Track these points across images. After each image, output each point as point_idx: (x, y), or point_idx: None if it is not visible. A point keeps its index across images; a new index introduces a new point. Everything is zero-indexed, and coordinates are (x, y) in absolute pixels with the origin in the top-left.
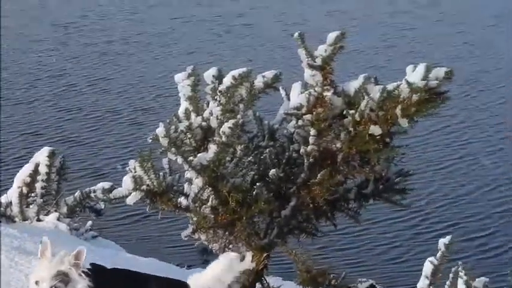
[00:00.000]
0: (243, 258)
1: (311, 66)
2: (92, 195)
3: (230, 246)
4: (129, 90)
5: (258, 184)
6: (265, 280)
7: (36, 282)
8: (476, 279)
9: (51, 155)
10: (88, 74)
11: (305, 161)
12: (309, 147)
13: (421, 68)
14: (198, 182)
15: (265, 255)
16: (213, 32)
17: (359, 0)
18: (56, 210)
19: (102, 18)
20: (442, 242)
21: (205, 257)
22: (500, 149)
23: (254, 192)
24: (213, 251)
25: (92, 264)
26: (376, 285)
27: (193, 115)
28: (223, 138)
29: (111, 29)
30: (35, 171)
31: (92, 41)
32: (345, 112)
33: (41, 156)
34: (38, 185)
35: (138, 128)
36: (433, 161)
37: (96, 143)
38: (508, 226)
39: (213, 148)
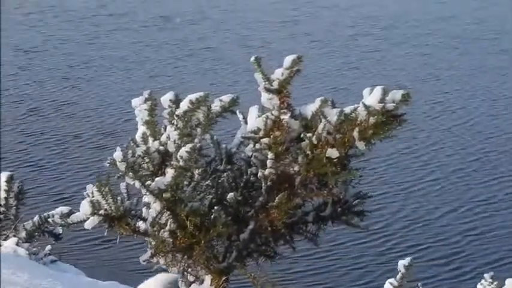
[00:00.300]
0: (201, 282)
1: (268, 90)
2: (50, 220)
3: (189, 269)
4: (92, 114)
5: (216, 208)
6: None
7: None
8: None
9: (9, 180)
10: (51, 98)
11: (263, 184)
12: (267, 171)
13: (377, 90)
14: (156, 206)
15: (224, 278)
16: (174, 56)
17: (321, 23)
18: (14, 235)
19: (63, 43)
20: (402, 263)
21: None
22: (473, 171)
23: (212, 216)
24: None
25: None
26: None
27: (150, 139)
28: (181, 163)
29: (72, 54)
30: None
31: (54, 65)
32: (302, 135)
33: None
34: None
35: (101, 152)
36: (405, 184)
37: (59, 167)
38: (480, 250)
39: (170, 172)
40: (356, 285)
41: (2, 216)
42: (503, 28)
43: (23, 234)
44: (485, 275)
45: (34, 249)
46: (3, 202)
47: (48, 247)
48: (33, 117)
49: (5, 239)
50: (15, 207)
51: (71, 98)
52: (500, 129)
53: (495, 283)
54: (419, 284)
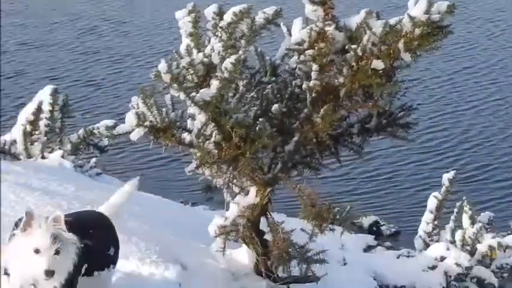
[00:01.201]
0: (247, 193)
1: (312, 2)
2: (96, 131)
3: (234, 181)
4: (147, 32)
5: (260, 119)
6: (270, 215)
7: (37, 251)
8: (482, 214)
9: (54, 93)
10: (108, 16)
11: (308, 96)
12: (312, 83)
13: (423, 2)
14: (201, 117)
15: (269, 189)
16: None
17: None
18: (60, 148)
19: None
20: (446, 177)
21: (209, 194)
22: None
23: (257, 128)
24: (217, 186)
25: None
26: (380, 221)
27: (194, 51)
28: (226, 74)
29: None
30: (39, 110)
31: None
32: (347, 47)
33: (44, 95)
34: (42, 123)
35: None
36: (462, 100)
37: (114, 85)
38: None
39: (215, 84)
40: (401, 198)
41: (47, 129)
42: None
43: (68, 147)
44: None
45: (79, 161)
46: (48, 115)
47: (93, 160)
48: (91, 35)
49: (50, 152)
50: (60, 120)
51: (127, 16)
52: None
53: None
54: (464, 197)
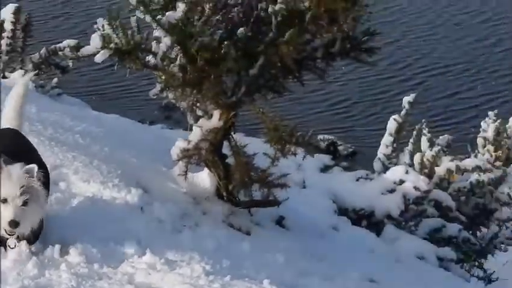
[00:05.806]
0: (210, 117)
1: None
2: (60, 53)
3: (198, 104)
4: None
5: (226, 43)
6: (233, 138)
7: (4, 201)
8: (440, 137)
9: (17, 12)
10: None
11: (273, 19)
12: (277, 6)
13: None
14: (167, 40)
15: (232, 113)
16: None
17: None
18: (21, 68)
19: None
20: (406, 99)
21: (166, 113)
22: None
23: (222, 51)
24: (181, 108)
25: None
26: (337, 142)
27: None
28: None
29: None
30: (0, 29)
31: None
32: None
33: (6, 13)
34: (3, 42)
35: None
36: (426, 25)
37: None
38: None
39: (181, 7)
40: (361, 118)
41: (9, 48)
42: None
43: (30, 66)
44: (489, 113)
45: (41, 82)
46: (10, 34)
47: (55, 80)
48: None
49: (11, 71)
50: (22, 40)
51: None
52: None
53: (498, 121)
54: (423, 120)
